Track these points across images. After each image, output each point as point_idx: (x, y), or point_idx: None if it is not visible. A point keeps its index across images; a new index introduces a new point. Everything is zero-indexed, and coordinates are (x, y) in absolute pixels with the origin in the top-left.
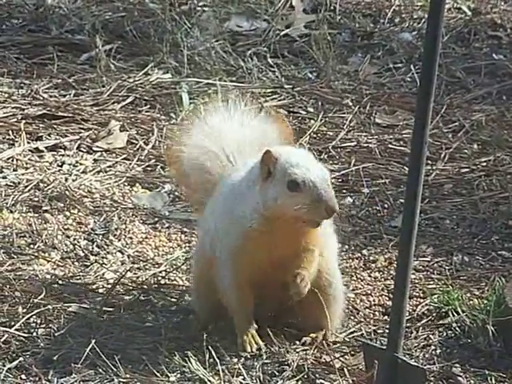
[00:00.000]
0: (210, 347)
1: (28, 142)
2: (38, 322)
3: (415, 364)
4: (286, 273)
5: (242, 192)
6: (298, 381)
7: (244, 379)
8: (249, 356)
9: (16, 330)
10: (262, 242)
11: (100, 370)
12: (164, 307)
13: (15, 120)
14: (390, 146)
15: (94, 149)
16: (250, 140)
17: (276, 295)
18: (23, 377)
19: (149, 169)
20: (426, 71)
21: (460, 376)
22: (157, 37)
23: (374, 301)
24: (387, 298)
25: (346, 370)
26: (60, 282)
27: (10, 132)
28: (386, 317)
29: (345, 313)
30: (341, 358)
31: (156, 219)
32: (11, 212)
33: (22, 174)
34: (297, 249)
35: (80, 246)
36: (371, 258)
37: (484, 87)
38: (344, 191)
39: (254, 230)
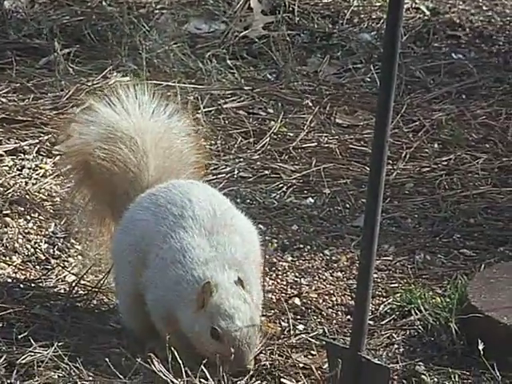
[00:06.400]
0: (172, 348)
1: None
2: (0, 325)
3: (378, 363)
4: None
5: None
6: (262, 380)
7: (207, 380)
8: None
9: None
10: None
11: (63, 372)
12: None
13: None
14: (350, 146)
15: (54, 152)
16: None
17: None
18: None
19: None
20: (385, 71)
21: (423, 374)
22: (115, 40)
23: (336, 300)
24: (350, 298)
25: (309, 369)
26: (21, 285)
27: None
28: (348, 316)
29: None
30: (304, 358)
31: None
32: None
33: None
34: None
35: (41, 250)
36: (333, 258)
37: (444, 86)
38: (305, 192)
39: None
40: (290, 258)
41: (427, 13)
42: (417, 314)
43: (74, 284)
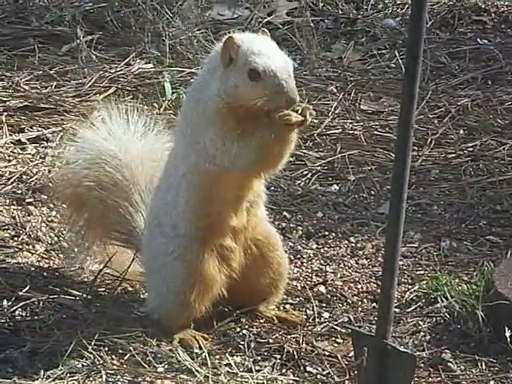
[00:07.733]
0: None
1: (10, 135)
2: (24, 314)
3: (405, 350)
4: None
5: (205, 79)
6: (288, 369)
7: (232, 368)
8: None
9: (1, 323)
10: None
11: (87, 361)
12: None
13: None
14: (375, 132)
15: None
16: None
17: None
18: (9, 370)
19: None
20: (410, 57)
21: (450, 362)
22: (138, 27)
23: (362, 288)
24: (375, 285)
25: (334, 357)
26: (45, 274)
27: None
28: (374, 304)
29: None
30: (329, 346)
31: None
32: None
33: (5, 167)
34: None
35: (64, 238)
36: (358, 245)
37: (469, 72)
38: (330, 179)
39: (222, 107)
40: (314, 246)
41: None
42: (443, 302)
43: (97, 272)
